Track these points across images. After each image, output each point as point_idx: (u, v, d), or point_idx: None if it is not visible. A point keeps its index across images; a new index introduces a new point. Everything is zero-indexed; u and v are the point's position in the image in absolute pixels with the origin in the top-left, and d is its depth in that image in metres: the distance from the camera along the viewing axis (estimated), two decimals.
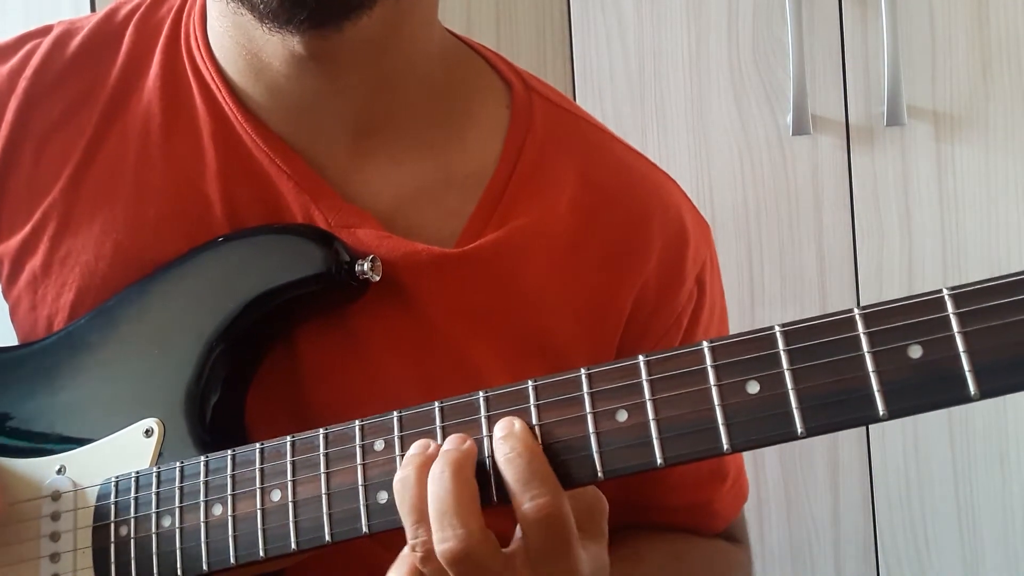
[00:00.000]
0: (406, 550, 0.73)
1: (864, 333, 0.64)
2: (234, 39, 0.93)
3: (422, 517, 0.71)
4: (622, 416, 0.69)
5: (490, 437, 0.73)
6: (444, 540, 0.69)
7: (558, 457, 0.70)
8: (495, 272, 0.93)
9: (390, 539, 0.93)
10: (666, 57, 1.93)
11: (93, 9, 1.74)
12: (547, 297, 0.95)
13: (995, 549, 1.87)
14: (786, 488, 1.91)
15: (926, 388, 0.62)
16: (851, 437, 1.90)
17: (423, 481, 0.71)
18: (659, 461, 0.68)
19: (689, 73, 1.93)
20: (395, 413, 0.76)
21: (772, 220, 1.92)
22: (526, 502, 0.69)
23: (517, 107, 0.99)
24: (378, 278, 0.89)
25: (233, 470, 0.81)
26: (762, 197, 1.91)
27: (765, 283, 1.91)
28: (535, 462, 0.70)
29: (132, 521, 0.84)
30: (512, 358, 0.94)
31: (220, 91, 0.95)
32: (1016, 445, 1.86)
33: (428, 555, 0.71)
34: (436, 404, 0.75)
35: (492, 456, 0.72)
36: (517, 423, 0.72)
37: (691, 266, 1.00)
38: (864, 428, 1.86)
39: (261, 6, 0.84)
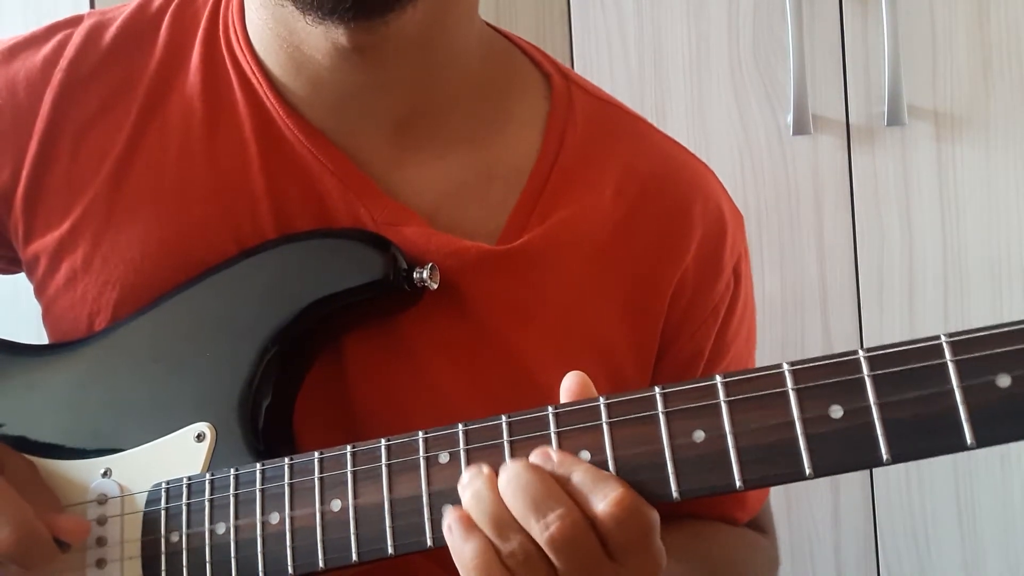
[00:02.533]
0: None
1: (952, 361, 0.63)
2: (274, 31, 0.91)
3: (508, 522, 0.69)
4: (699, 436, 0.68)
5: (569, 449, 0.71)
6: (549, 525, 0.67)
7: (632, 476, 0.69)
8: (543, 266, 0.93)
9: (447, 558, 0.92)
10: (666, 57, 1.92)
11: (93, 8, 1.71)
12: (593, 288, 0.94)
13: (995, 549, 1.88)
14: (786, 488, 1.90)
15: (1015, 418, 0.62)
16: None
17: (496, 490, 0.70)
18: (738, 484, 0.67)
19: (689, 73, 1.92)
20: (460, 426, 0.75)
21: (772, 220, 1.91)
22: (545, 529, 0.68)
23: (556, 99, 0.98)
24: (436, 286, 0.88)
25: (291, 478, 0.79)
26: (762, 197, 1.91)
27: (765, 282, 1.91)
28: (537, 484, 0.69)
29: (184, 528, 0.82)
30: (562, 353, 0.93)
31: (261, 85, 0.93)
32: (1016, 445, 1.85)
33: (528, 556, 0.69)
34: (504, 418, 0.74)
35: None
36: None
37: (729, 257, 1.00)
38: None
39: (308, 14, 0.83)
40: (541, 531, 0.68)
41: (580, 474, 0.69)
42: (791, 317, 1.91)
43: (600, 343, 0.94)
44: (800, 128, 1.87)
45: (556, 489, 0.69)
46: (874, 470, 1.90)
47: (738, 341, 1.02)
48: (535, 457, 0.71)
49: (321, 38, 0.87)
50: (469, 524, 0.70)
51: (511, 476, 0.70)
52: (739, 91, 1.91)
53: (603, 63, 1.94)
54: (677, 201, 0.98)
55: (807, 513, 1.92)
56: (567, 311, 0.93)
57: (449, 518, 0.71)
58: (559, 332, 0.93)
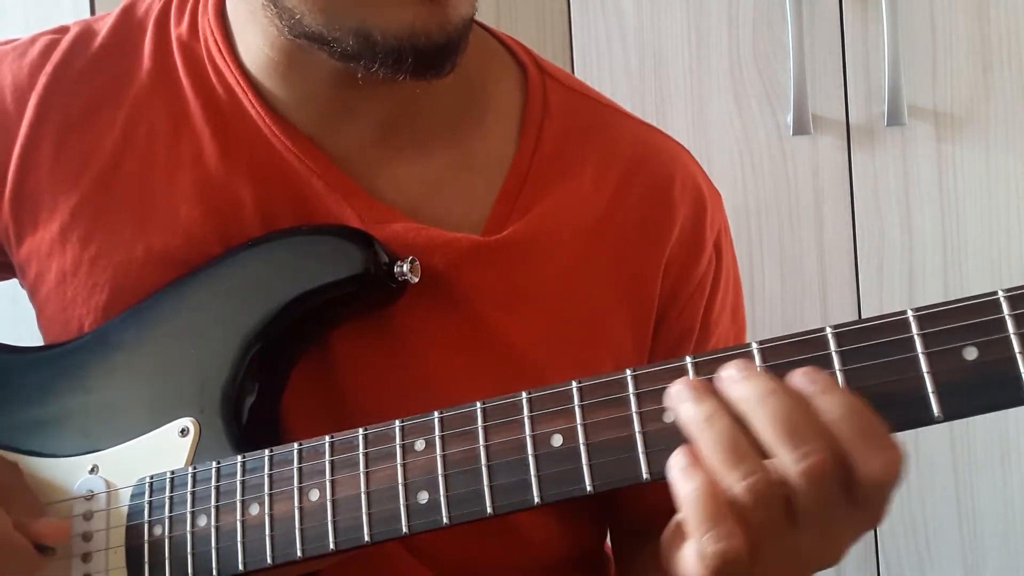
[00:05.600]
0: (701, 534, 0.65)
1: (918, 334, 0.63)
2: (269, 56, 0.93)
3: (746, 451, 0.64)
4: (669, 417, 0.68)
5: (542, 434, 0.71)
6: (807, 456, 0.63)
7: (603, 457, 0.70)
8: (531, 255, 0.94)
9: (422, 547, 0.92)
10: (666, 57, 1.93)
11: (92, 10, 1.72)
12: (585, 274, 0.95)
13: (996, 549, 1.87)
14: None
15: (981, 389, 0.62)
16: None
17: (730, 414, 0.65)
18: None
19: (689, 73, 1.92)
20: (436, 413, 0.75)
21: (772, 220, 1.91)
22: (799, 460, 0.63)
23: (532, 90, 1.00)
24: (417, 279, 0.88)
25: (270, 469, 0.80)
26: (762, 197, 1.91)
27: (765, 283, 1.91)
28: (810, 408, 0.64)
29: (167, 520, 0.83)
30: (555, 339, 0.94)
31: (247, 94, 0.94)
32: (1016, 445, 1.86)
33: (768, 485, 0.64)
34: (478, 404, 0.74)
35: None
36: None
37: (709, 232, 1.01)
38: None
39: (374, 68, 0.85)
40: (796, 460, 0.63)
41: (847, 420, 0.64)
42: (791, 317, 1.91)
43: (600, 328, 0.96)
44: (800, 128, 1.87)
45: (816, 420, 0.64)
46: None
47: (724, 316, 1.03)
48: (799, 380, 0.65)
49: (324, 67, 0.89)
50: (694, 460, 0.66)
51: (763, 394, 0.65)
52: (739, 91, 1.91)
53: (603, 63, 1.94)
54: (657, 182, 0.99)
55: None
56: (559, 298, 0.94)
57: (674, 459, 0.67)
58: (551, 319, 0.94)
